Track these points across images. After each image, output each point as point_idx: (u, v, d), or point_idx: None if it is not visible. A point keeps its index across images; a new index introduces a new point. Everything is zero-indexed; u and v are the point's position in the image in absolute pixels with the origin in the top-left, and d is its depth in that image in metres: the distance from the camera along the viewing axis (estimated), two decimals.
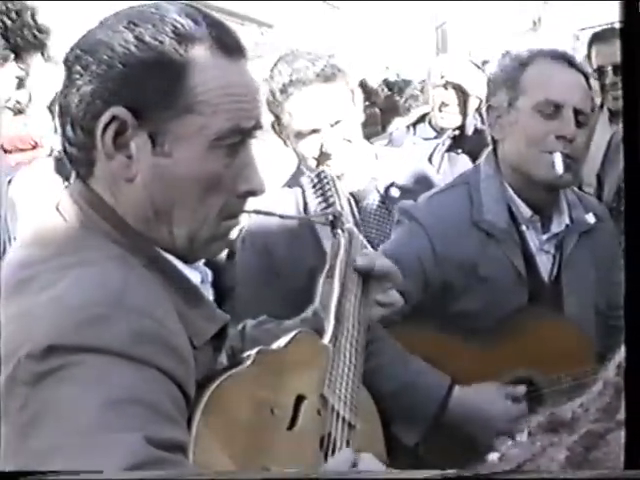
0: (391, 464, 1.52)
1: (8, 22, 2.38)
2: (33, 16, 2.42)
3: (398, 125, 4.75)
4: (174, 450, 1.09)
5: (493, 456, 0.86)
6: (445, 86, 3.96)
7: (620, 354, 0.83)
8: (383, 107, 7.15)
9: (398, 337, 2.10)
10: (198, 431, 1.17)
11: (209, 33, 1.25)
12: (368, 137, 5.95)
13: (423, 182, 2.46)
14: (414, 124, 4.34)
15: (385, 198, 2.39)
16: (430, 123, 4.13)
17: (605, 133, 3.43)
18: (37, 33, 2.43)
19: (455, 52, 8.82)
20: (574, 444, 0.78)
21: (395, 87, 8.20)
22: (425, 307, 2.13)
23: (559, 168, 2.08)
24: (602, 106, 3.68)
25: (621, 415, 0.80)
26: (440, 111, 4.01)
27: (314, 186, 1.76)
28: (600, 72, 3.65)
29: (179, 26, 1.23)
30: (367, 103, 7.62)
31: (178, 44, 1.22)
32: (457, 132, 3.96)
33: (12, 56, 2.36)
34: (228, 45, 1.27)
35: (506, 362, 2.13)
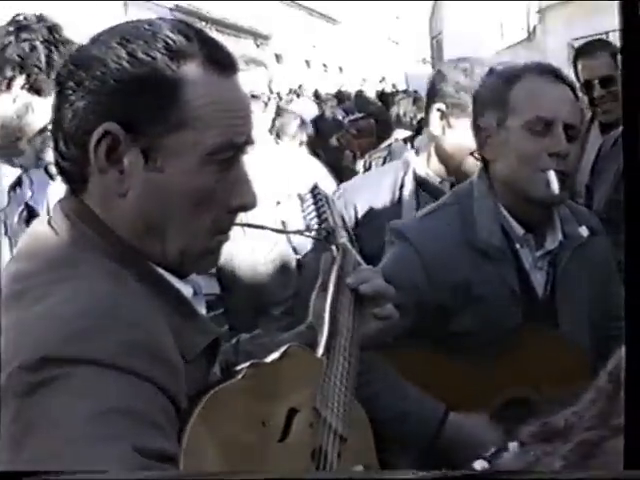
0: None
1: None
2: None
3: (397, 137, 4.75)
4: (164, 460, 1.10)
5: (482, 464, 0.86)
6: None
7: (612, 362, 0.83)
8: (378, 118, 7.18)
9: (392, 359, 2.09)
10: (189, 443, 1.17)
11: (201, 49, 1.27)
12: (364, 148, 5.95)
13: None
14: (412, 136, 4.34)
15: None
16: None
17: (595, 142, 3.42)
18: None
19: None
20: (569, 453, 0.78)
21: (390, 98, 8.22)
22: (419, 328, 2.10)
23: (555, 187, 2.06)
24: (592, 120, 3.67)
25: (615, 421, 0.80)
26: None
27: (307, 202, 1.78)
28: (588, 86, 3.65)
29: (171, 42, 1.25)
30: (363, 114, 7.67)
31: (170, 60, 1.24)
32: None
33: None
34: (220, 61, 1.29)
35: (502, 381, 2.11)
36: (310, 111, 6.97)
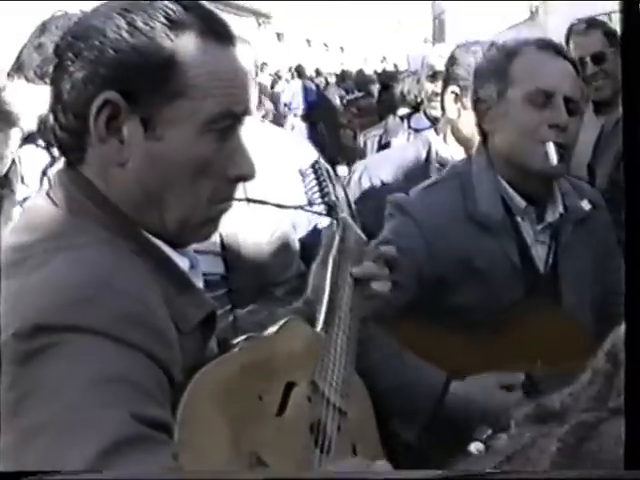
0: (390, 460, 1.51)
1: None
2: None
3: (394, 115, 4.74)
4: (158, 429, 1.10)
5: (477, 446, 0.84)
6: (434, 76, 3.95)
7: (609, 341, 0.81)
8: (380, 97, 7.15)
9: (393, 333, 2.07)
10: (184, 415, 1.17)
11: (199, 20, 1.28)
12: (365, 127, 5.95)
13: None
14: (409, 114, 4.32)
15: None
16: (425, 113, 4.11)
17: (592, 123, 3.42)
18: None
19: (451, 41, 8.81)
20: (566, 435, 0.76)
21: (392, 77, 8.21)
22: (420, 302, 2.10)
23: (553, 158, 2.05)
24: (587, 99, 3.67)
25: (613, 403, 0.78)
26: (430, 101, 4.00)
27: (308, 176, 1.76)
28: (580, 64, 3.64)
29: (170, 12, 1.26)
30: (364, 93, 7.65)
31: (169, 30, 1.25)
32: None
33: None
34: (218, 32, 1.30)
35: (503, 356, 2.09)
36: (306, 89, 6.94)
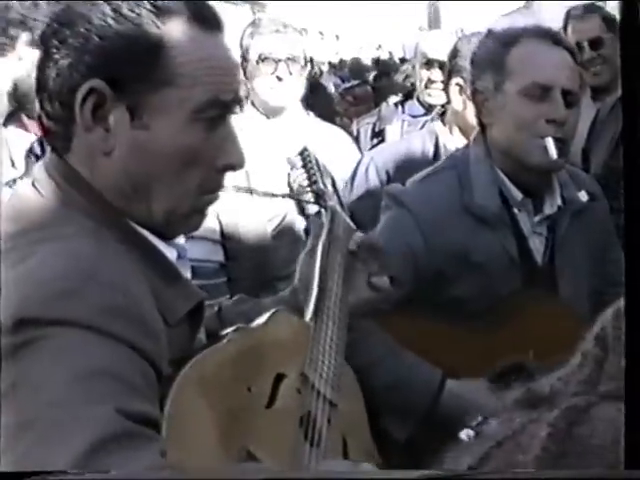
0: (382, 458, 1.51)
1: None
2: None
3: (387, 102, 4.73)
4: (145, 424, 1.09)
5: (468, 433, 0.84)
6: (430, 63, 3.94)
7: (598, 325, 0.81)
8: (375, 85, 7.13)
9: (390, 326, 2.07)
10: (172, 409, 1.16)
11: (186, 6, 1.26)
12: (361, 115, 5.93)
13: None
14: (402, 101, 4.31)
15: None
16: (419, 100, 4.11)
17: (588, 108, 3.41)
18: None
19: (446, 29, 8.78)
20: (556, 419, 0.75)
21: (387, 65, 8.18)
22: (417, 295, 2.09)
23: (552, 153, 2.03)
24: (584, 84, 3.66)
25: (603, 387, 0.77)
26: (426, 88, 3.99)
27: (297, 165, 1.75)
28: (577, 49, 3.63)
29: None
30: (359, 81, 7.62)
31: (155, 17, 1.24)
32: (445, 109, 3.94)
33: None
34: (205, 18, 1.28)
35: (500, 348, 2.09)
36: None
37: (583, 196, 2.20)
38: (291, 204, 2.74)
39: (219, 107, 1.27)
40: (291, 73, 3.00)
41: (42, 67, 1.27)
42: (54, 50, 1.24)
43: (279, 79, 2.98)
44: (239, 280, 2.96)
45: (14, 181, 2.27)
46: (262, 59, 2.98)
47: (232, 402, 1.27)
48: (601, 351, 0.80)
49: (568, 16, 3.81)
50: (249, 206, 2.79)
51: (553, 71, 2.07)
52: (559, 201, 2.17)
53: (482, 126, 2.19)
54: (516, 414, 0.79)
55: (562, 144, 2.05)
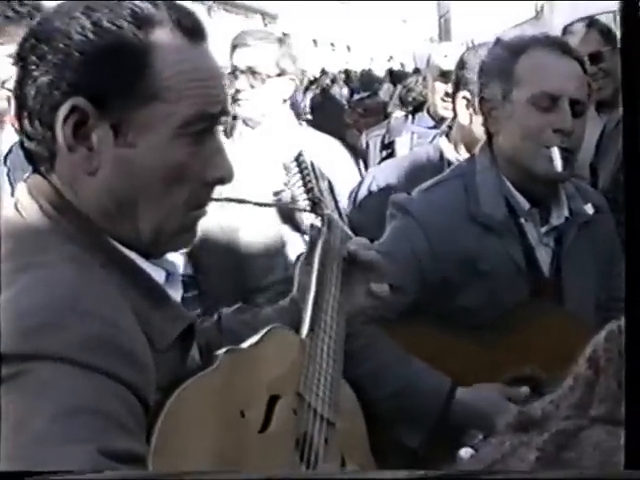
0: (391, 466, 1.48)
1: None
2: None
3: (397, 114, 4.71)
4: (130, 462, 1.03)
5: (466, 452, 0.83)
6: (445, 75, 3.91)
7: (590, 347, 0.80)
8: (387, 96, 7.12)
9: (397, 335, 2.06)
10: (159, 441, 1.10)
11: (169, 16, 1.21)
12: (370, 126, 5.93)
13: None
14: (412, 113, 4.29)
15: None
16: (429, 112, 4.08)
17: (593, 121, 3.39)
18: None
19: (457, 41, 8.79)
20: (545, 444, 0.75)
21: (399, 77, 8.18)
22: (423, 304, 2.08)
23: (558, 163, 2.02)
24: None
25: (594, 411, 0.77)
26: (444, 101, 3.95)
27: (292, 171, 1.70)
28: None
29: (137, 10, 1.19)
30: (370, 93, 7.62)
31: (137, 28, 1.18)
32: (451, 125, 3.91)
33: None
34: (190, 28, 1.23)
35: (506, 359, 2.08)
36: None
37: (589, 208, 2.20)
38: (267, 212, 2.71)
39: (206, 120, 1.22)
40: (252, 86, 2.98)
41: (21, 85, 1.21)
42: (33, 67, 1.19)
43: (237, 91, 2.97)
44: (210, 292, 2.90)
45: None
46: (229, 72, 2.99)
47: (224, 429, 1.21)
48: (593, 374, 0.79)
49: (565, 32, 3.80)
50: (219, 214, 2.74)
51: (562, 80, 2.06)
52: (566, 212, 2.16)
53: (489, 135, 2.19)
54: (507, 437, 0.78)
55: (568, 154, 2.04)
